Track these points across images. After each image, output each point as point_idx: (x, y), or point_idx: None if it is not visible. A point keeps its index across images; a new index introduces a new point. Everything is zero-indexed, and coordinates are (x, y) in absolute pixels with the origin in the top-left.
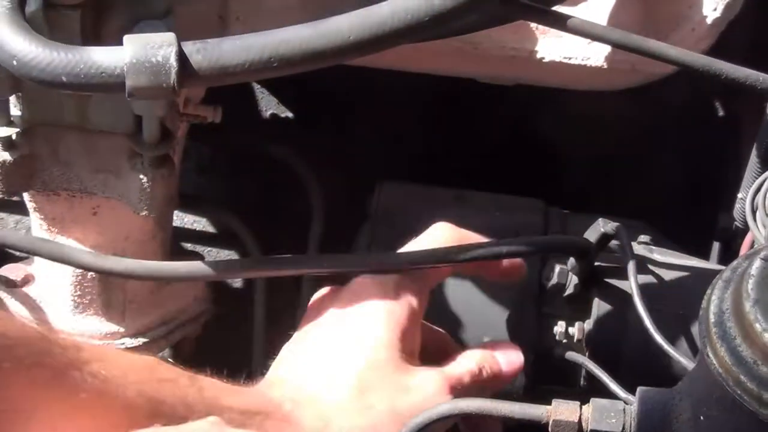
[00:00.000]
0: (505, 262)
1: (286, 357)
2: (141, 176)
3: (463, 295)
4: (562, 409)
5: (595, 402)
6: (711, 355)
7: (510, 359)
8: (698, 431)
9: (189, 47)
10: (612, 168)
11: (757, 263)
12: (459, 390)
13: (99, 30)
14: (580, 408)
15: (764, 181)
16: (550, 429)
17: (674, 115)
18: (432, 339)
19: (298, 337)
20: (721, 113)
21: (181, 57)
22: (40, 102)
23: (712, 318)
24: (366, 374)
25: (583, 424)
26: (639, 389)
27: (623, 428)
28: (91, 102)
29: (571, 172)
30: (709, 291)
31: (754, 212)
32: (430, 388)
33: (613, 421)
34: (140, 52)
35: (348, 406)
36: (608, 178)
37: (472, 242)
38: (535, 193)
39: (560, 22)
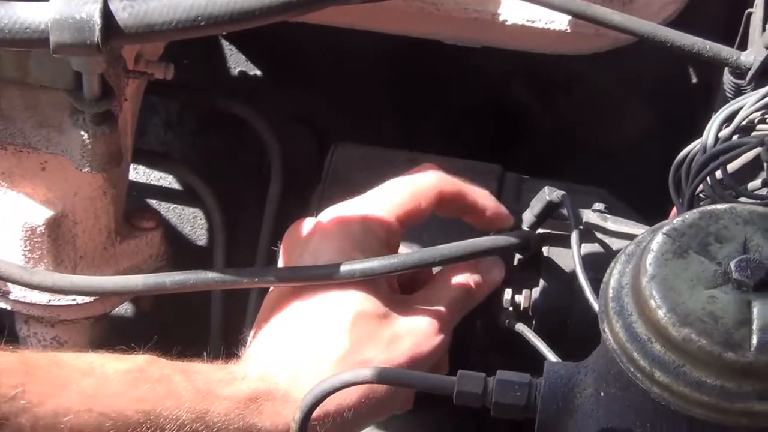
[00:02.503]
0: (490, 212)
1: (265, 338)
2: (82, 132)
3: None
4: (466, 381)
5: (502, 374)
6: (607, 330)
7: (490, 271)
8: (599, 407)
9: (115, 4)
10: (578, 134)
11: (659, 238)
12: (447, 322)
13: None
14: (485, 380)
15: (689, 153)
16: (454, 400)
17: (646, 81)
18: None
19: (269, 319)
20: (694, 80)
21: (106, 14)
22: None
23: (610, 293)
24: (355, 330)
25: (488, 396)
26: (546, 362)
27: (527, 402)
28: (31, 56)
29: (536, 137)
30: (612, 264)
31: (677, 183)
32: (420, 332)
33: (518, 394)
34: (65, 9)
35: (345, 366)
36: (574, 145)
37: (456, 187)
38: (501, 158)
39: None
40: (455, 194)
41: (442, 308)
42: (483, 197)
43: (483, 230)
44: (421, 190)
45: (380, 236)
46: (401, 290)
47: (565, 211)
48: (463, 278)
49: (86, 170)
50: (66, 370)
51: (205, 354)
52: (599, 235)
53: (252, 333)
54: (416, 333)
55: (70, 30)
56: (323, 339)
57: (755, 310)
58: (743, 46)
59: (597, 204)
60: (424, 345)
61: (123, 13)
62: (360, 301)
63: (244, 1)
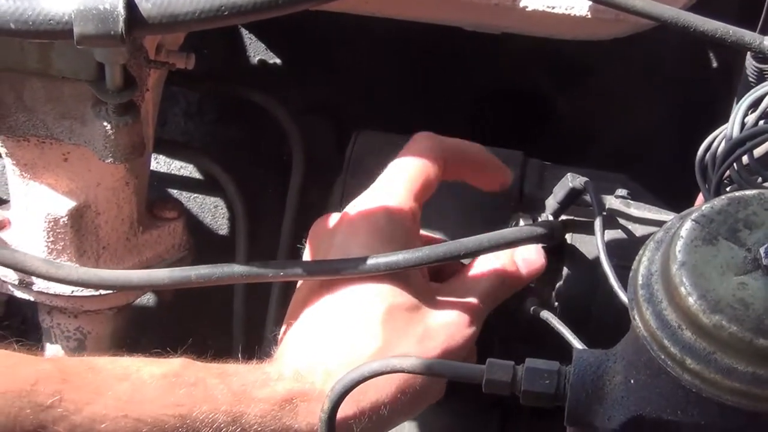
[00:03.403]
0: (491, 172)
1: (297, 335)
2: (105, 123)
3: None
4: (495, 369)
5: (530, 362)
6: (637, 318)
7: (529, 260)
8: (629, 394)
9: None
10: (598, 119)
11: (688, 224)
12: (480, 314)
13: None
14: (514, 368)
15: (714, 139)
16: (483, 389)
17: (666, 65)
18: None
19: (299, 316)
20: (714, 64)
21: (130, 5)
22: (3, 48)
23: (640, 280)
24: (388, 325)
25: (517, 384)
26: (575, 350)
27: (556, 389)
28: (54, 48)
29: (556, 123)
30: (641, 252)
31: (703, 170)
32: (453, 325)
33: (547, 382)
34: (88, 0)
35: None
36: (594, 130)
37: (452, 146)
38: (521, 145)
39: None
40: (457, 156)
41: (474, 299)
42: (481, 153)
43: (485, 190)
44: (427, 162)
45: (405, 224)
46: (431, 278)
47: (588, 198)
48: (496, 268)
49: (109, 161)
50: (102, 375)
51: (239, 355)
52: (622, 222)
53: (282, 330)
54: (449, 326)
55: (93, 21)
56: (356, 335)
57: None
58: (766, 31)
59: (619, 190)
60: (457, 337)
61: (147, 4)
62: (392, 294)
63: None
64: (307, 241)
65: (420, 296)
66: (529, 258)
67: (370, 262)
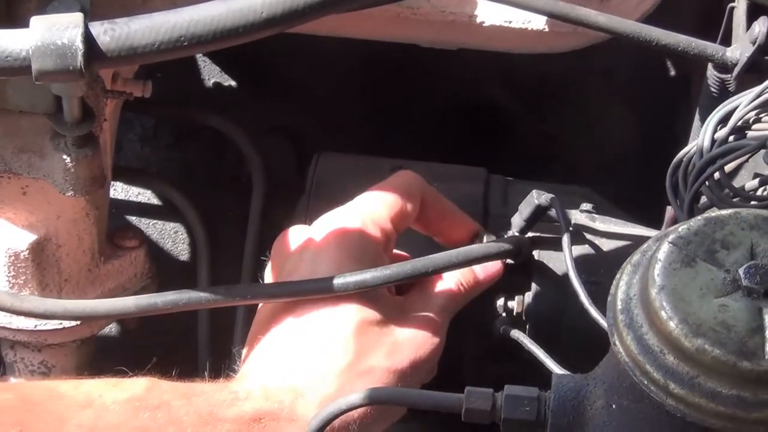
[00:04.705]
0: (460, 222)
1: (264, 353)
2: (64, 156)
3: None
4: (475, 398)
5: (509, 389)
6: (618, 343)
7: (486, 266)
8: (611, 419)
9: (96, 28)
10: (562, 132)
11: (665, 247)
12: (444, 322)
13: (12, 11)
14: (493, 396)
15: (684, 155)
16: (462, 418)
17: (623, 75)
18: None
19: (265, 333)
20: (672, 73)
21: (88, 39)
22: None
23: (619, 305)
24: (359, 339)
25: (497, 412)
26: (554, 375)
27: (537, 416)
28: (10, 83)
29: (515, 137)
30: (618, 275)
31: (675, 187)
32: (420, 336)
33: (527, 409)
34: (46, 35)
35: (350, 377)
36: (558, 143)
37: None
38: (482, 161)
39: None
40: (434, 198)
41: (437, 309)
42: (454, 206)
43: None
44: (406, 194)
45: (378, 243)
46: (396, 290)
47: (553, 213)
48: (458, 276)
49: (69, 194)
50: (64, 402)
51: (205, 374)
52: (588, 236)
53: (246, 348)
54: (416, 338)
55: (52, 56)
56: (326, 351)
57: (767, 317)
58: (726, 41)
59: (584, 204)
60: (425, 347)
61: (105, 37)
62: (360, 310)
63: (226, 19)
64: (271, 256)
65: (386, 311)
66: (486, 264)
67: (339, 281)
